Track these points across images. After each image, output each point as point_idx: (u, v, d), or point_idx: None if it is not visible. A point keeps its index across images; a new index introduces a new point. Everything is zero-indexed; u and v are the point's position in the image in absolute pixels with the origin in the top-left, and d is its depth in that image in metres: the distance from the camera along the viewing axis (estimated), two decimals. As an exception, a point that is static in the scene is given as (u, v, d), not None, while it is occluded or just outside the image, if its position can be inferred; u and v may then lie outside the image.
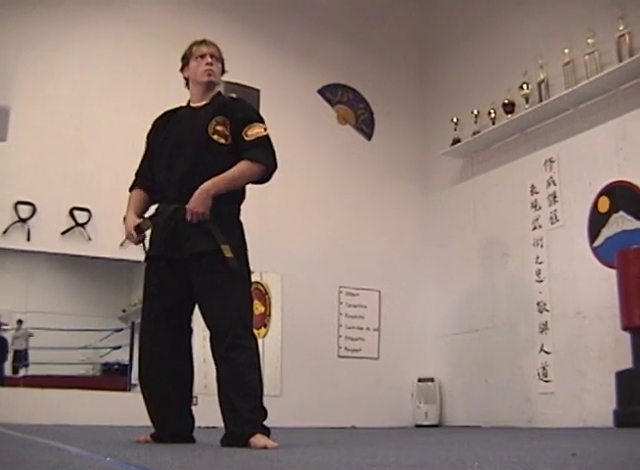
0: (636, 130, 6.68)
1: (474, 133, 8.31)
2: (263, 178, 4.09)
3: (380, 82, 9.39)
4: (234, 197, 4.08)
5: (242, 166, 4.01)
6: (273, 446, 3.47)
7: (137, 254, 7.58)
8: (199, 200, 3.89)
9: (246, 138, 4.08)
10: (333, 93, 9.14)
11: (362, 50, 9.34)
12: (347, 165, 9.01)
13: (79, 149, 7.62)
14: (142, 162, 4.34)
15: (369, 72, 9.34)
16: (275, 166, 4.09)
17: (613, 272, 6.41)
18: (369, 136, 9.33)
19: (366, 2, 9.54)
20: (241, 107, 4.26)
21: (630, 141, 6.72)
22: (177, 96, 4.45)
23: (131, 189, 4.34)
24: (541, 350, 7.29)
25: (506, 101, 7.93)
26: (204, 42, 4.38)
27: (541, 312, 7.34)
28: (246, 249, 4.04)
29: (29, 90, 7.48)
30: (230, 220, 4.05)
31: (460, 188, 8.73)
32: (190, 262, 3.94)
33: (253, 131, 4.11)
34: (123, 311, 8.27)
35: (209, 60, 4.28)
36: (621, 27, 6.75)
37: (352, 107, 9.28)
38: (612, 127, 6.91)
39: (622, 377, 6.11)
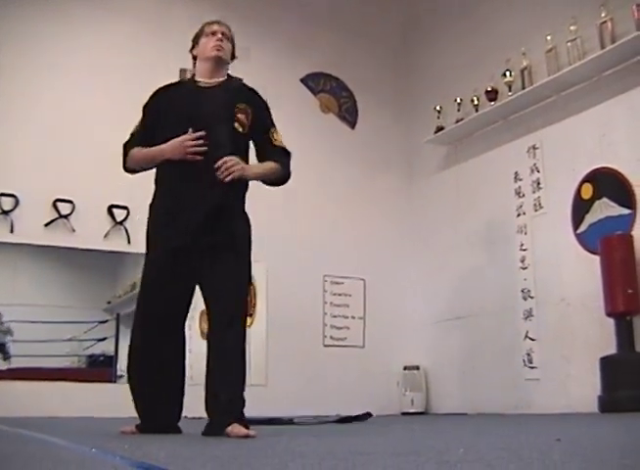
0: (619, 117, 6.69)
1: (457, 121, 8.32)
2: (277, 184, 4.29)
3: (363, 71, 9.38)
4: (246, 188, 4.17)
5: (273, 166, 4.16)
6: (252, 436, 3.49)
7: (121, 245, 7.62)
8: (235, 161, 3.93)
9: (274, 142, 4.21)
10: (315, 82, 9.12)
11: (345, 38, 9.31)
12: (331, 154, 9.00)
13: (62, 140, 7.58)
14: (137, 131, 4.24)
15: (352, 61, 9.32)
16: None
17: (596, 259, 6.44)
18: (352, 125, 9.31)
19: (348, -10, 9.53)
20: (264, 104, 4.27)
21: (613, 127, 6.74)
22: (164, 79, 4.44)
23: (126, 154, 4.24)
24: (526, 336, 7.31)
25: (489, 88, 7.93)
26: (215, 21, 4.36)
27: (526, 299, 7.36)
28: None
29: (10, 81, 7.45)
30: (243, 210, 4.13)
31: (444, 175, 8.74)
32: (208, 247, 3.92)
33: (279, 137, 4.25)
34: (108, 303, 8.23)
35: (220, 36, 4.25)
36: (603, 14, 6.75)
37: (335, 95, 9.26)
38: (595, 114, 6.93)
39: (607, 363, 6.14)
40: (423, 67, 9.35)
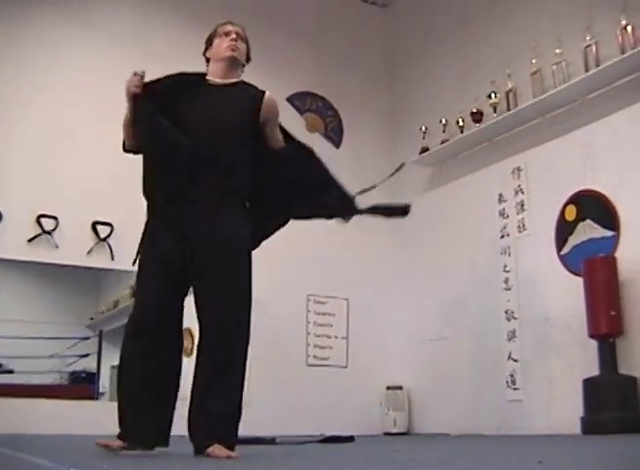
0: (603, 139, 6.73)
1: (442, 142, 8.34)
2: None
3: (349, 91, 9.40)
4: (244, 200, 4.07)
5: None
6: (235, 457, 3.45)
7: (105, 261, 7.60)
8: None
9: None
10: (302, 101, 9.14)
11: (331, 58, 9.35)
12: (316, 174, 8.99)
13: (46, 156, 7.56)
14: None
15: (338, 81, 9.34)
16: None
17: (580, 280, 6.45)
18: (338, 144, 9.33)
19: (335, 11, 9.57)
20: (277, 115, 4.17)
21: (597, 150, 6.77)
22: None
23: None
24: (509, 357, 7.31)
25: (474, 110, 7.96)
26: (229, 22, 4.33)
27: (509, 320, 7.36)
28: None
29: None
30: (240, 220, 3.99)
31: (429, 196, 8.74)
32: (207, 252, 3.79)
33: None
34: (91, 319, 8.21)
35: (234, 36, 4.20)
36: (588, 38, 6.80)
37: (321, 115, 9.28)
38: (579, 136, 6.96)
39: (589, 384, 6.15)
40: (408, 87, 9.38)
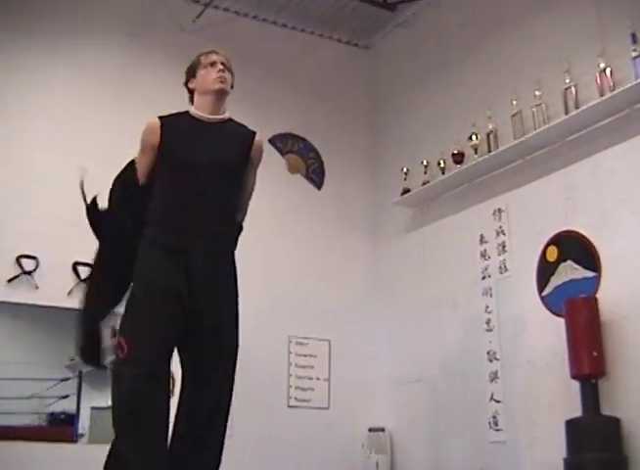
0: (583, 181, 6.77)
1: (423, 183, 8.36)
2: None
3: (330, 132, 9.44)
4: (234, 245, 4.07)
5: None
6: None
7: (85, 302, 7.53)
8: None
9: (243, 215, 4.19)
10: (283, 142, 9.16)
11: (313, 100, 9.39)
12: (297, 215, 9.01)
13: (27, 196, 7.52)
14: (139, 167, 4.02)
15: (319, 122, 9.38)
16: None
17: (561, 321, 6.45)
18: (319, 186, 9.34)
19: (316, 52, 9.62)
20: (261, 157, 4.26)
21: (577, 191, 6.81)
22: (131, 142, 4.38)
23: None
24: (492, 398, 7.28)
25: (455, 151, 7.99)
26: (213, 51, 4.20)
27: (491, 361, 7.35)
28: None
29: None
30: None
31: (410, 237, 8.76)
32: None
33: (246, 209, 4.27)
34: (71, 360, 8.12)
35: (221, 66, 4.11)
36: (568, 80, 6.86)
37: (303, 156, 9.30)
38: (559, 178, 7.00)
39: (572, 425, 6.12)
40: (390, 129, 9.42)
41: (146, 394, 3.62)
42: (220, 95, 4.07)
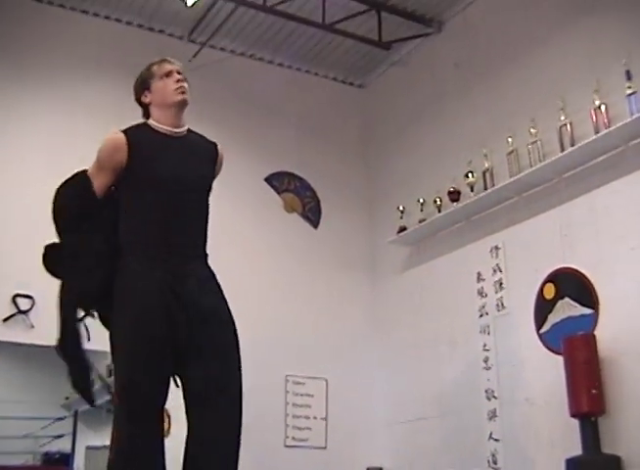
0: (579, 218, 6.77)
1: (420, 221, 8.37)
2: None
3: (326, 170, 9.45)
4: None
5: None
6: None
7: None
8: None
9: None
10: (280, 181, 9.17)
11: (308, 138, 9.42)
12: (294, 254, 9.00)
13: (21, 235, 7.49)
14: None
15: (315, 161, 9.40)
16: None
17: (560, 359, 6.43)
18: (316, 224, 9.34)
19: (311, 91, 9.68)
20: (221, 166, 3.97)
21: (574, 228, 6.81)
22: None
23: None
24: (490, 437, 7.23)
25: (451, 189, 8.00)
26: (165, 60, 3.89)
27: (489, 399, 7.30)
28: None
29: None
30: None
31: (407, 276, 8.74)
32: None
33: None
34: (66, 399, 8.06)
35: (179, 76, 3.81)
36: (563, 118, 6.89)
37: (299, 195, 9.31)
38: (556, 215, 7.00)
39: (572, 464, 6.08)
40: (386, 167, 9.44)
41: (144, 436, 3.50)
42: (182, 106, 3.80)
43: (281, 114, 9.33)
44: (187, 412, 3.58)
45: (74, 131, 8.02)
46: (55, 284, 7.42)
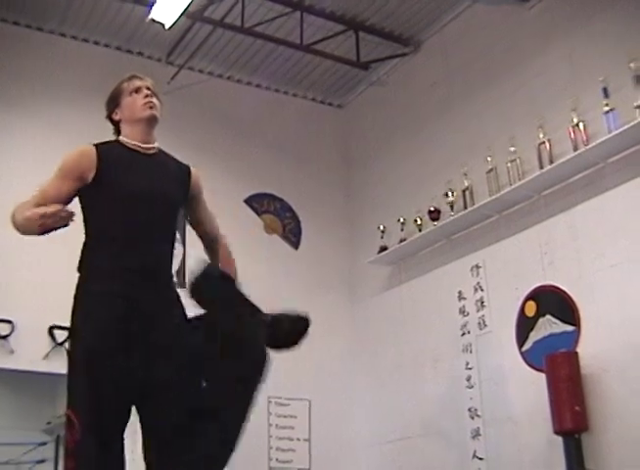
0: (559, 235, 6.80)
1: (400, 241, 8.36)
2: None
3: (306, 191, 9.45)
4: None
5: (232, 259, 3.97)
6: None
7: (62, 366, 7.43)
8: None
9: (217, 230, 3.96)
10: (259, 202, 9.16)
11: (288, 159, 9.42)
12: (275, 275, 8.96)
13: (1, 258, 7.46)
14: (49, 195, 3.57)
15: (295, 182, 9.40)
16: None
17: (542, 376, 6.43)
18: (296, 245, 9.33)
19: (290, 112, 9.69)
20: (202, 189, 3.89)
21: (554, 246, 6.83)
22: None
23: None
24: (474, 456, 7.21)
25: (431, 208, 8.01)
26: (134, 76, 3.81)
27: (473, 418, 7.29)
28: None
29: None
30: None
31: (388, 295, 8.73)
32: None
33: (217, 224, 3.98)
34: (48, 423, 8.00)
35: (148, 92, 3.72)
36: (541, 135, 6.92)
37: (279, 216, 9.30)
38: (535, 233, 7.03)
39: (556, 482, 6.08)
40: (365, 187, 9.45)
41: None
42: (151, 122, 3.69)
43: (260, 135, 9.33)
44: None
45: (53, 156, 7.97)
46: (34, 309, 7.42)
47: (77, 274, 3.57)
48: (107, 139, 3.78)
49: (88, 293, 3.46)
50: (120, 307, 3.35)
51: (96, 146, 3.63)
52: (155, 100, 3.73)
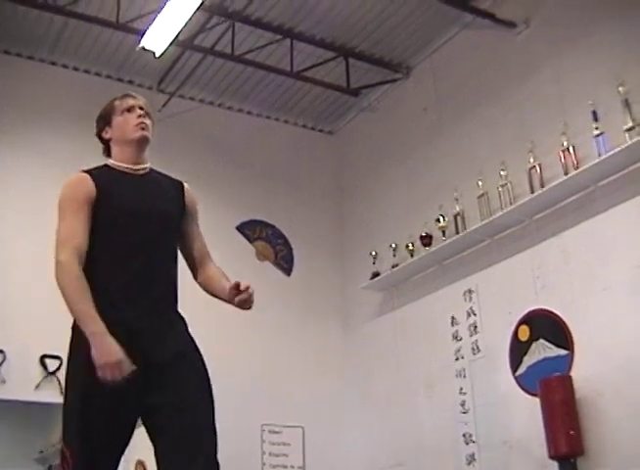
0: (551, 259, 6.80)
1: (393, 266, 8.36)
2: None
3: (298, 218, 9.45)
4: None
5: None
6: None
7: (54, 396, 7.39)
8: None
9: (206, 249, 3.72)
10: (251, 229, 9.15)
11: (279, 186, 9.43)
12: (267, 302, 8.90)
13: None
14: (76, 229, 3.31)
15: (287, 208, 9.40)
16: None
17: (537, 400, 6.41)
18: (288, 272, 9.32)
19: (281, 138, 9.72)
20: (197, 208, 3.75)
21: (546, 270, 6.83)
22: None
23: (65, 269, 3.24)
24: (469, 482, 7.19)
25: (423, 234, 8.02)
26: (128, 95, 3.66)
27: (467, 443, 7.26)
28: None
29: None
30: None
31: (381, 321, 8.72)
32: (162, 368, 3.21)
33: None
34: (40, 452, 7.95)
35: (140, 112, 3.57)
36: (532, 160, 6.94)
37: (271, 243, 9.29)
38: (528, 257, 7.03)
39: (552, 507, 6.05)
40: (357, 213, 9.45)
41: None
42: (142, 143, 3.55)
43: (251, 161, 9.34)
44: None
45: (43, 185, 7.96)
46: (26, 339, 7.39)
47: None
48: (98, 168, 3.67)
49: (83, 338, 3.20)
50: (120, 338, 3.13)
51: (86, 172, 3.48)
52: (147, 120, 3.58)
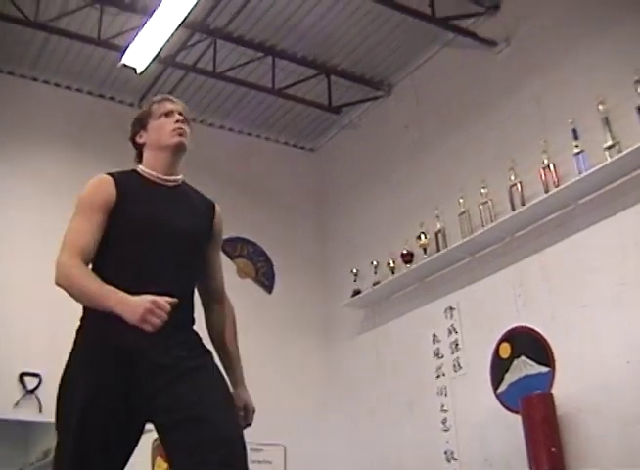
0: (532, 276, 6.82)
1: (374, 284, 8.36)
2: None
3: (279, 235, 9.44)
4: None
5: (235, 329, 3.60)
6: None
7: (33, 414, 7.35)
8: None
9: (223, 285, 3.50)
10: (232, 247, 9.12)
11: (261, 203, 9.42)
12: (248, 319, 8.73)
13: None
14: (83, 231, 3.08)
15: (268, 225, 9.39)
16: None
17: (518, 418, 6.41)
18: (270, 289, 9.30)
19: (262, 155, 9.73)
20: (222, 232, 3.48)
21: (527, 287, 6.85)
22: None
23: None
24: (451, 500, 7.17)
25: (404, 251, 8.02)
26: (167, 98, 3.47)
27: (449, 461, 7.24)
28: None
29: None
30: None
31: (362, 339, 8.71)
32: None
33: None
34: (20, 470, 7.91)
35: (179, 117, 3.35)
36: (512, 178, 6.97)
37: (252, 260, 9.27)
38: (509, 274, 7.04)
39: (534, 525, 6.04)
40: (338, 231, 9.46)
41: None
42: (178, 151, 3.32)
43: (232, 179, 9.32)
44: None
45: (23, 203, 7.95)
46: (4, 357, 7.34)
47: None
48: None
49: (87, 341, 3.10)
50: (122, 359, 2.98)
51: (111, 175, 3.25)
52: (186, 127, 3.36)
